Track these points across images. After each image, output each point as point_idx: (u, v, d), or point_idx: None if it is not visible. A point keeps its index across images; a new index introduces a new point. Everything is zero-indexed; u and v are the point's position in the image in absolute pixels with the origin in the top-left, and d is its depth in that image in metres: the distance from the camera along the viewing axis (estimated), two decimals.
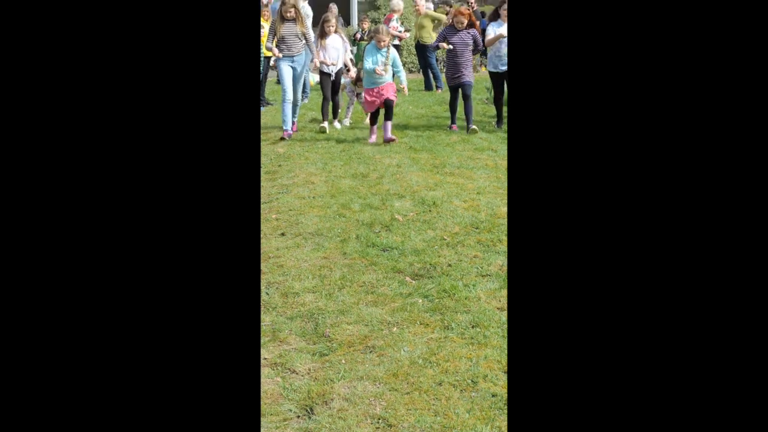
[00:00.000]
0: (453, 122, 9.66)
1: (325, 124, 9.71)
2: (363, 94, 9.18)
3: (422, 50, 14.50)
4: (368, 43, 9.47)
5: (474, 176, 6.87)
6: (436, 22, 14.79)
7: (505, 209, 5.60)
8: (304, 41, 9.45)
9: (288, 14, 9.33)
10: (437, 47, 10.00)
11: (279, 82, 10.52)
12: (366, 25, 14.97)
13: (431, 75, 14.39)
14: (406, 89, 9.60)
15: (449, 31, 9.74)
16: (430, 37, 14.58)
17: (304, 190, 6.48)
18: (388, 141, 8.61)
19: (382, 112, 8.92)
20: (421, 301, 4.01)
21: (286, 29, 9.34)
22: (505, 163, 7.36)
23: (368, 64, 8.91)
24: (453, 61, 9.65)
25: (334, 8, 14.40)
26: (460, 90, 9.56)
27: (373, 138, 8.84)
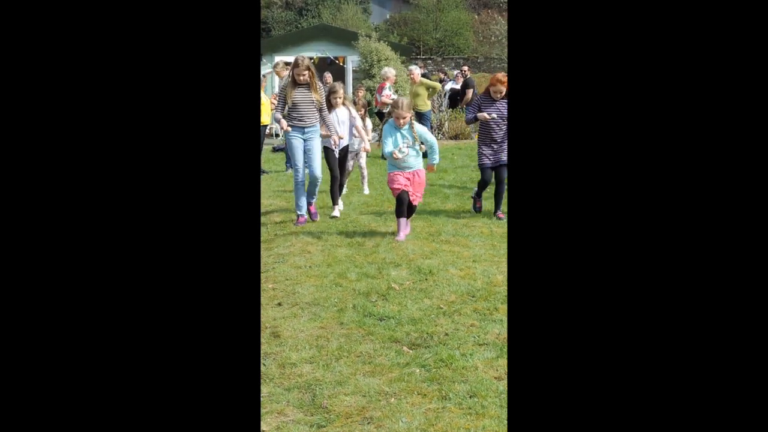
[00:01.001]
0: (478, 204, 8.41)
1: (337, 212, 8.51)
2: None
3: (417, 118, 14.65)
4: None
5: (470, 244, 6.90)
6: (431, 90, 15.01)
7: (500, 277, 5.62)
8: (317, 111, 7.95)
9: (301, 78, 7.84)
10: (475, 119, 8.12)
11: (287, 157, 9.43)
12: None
13: None
14: (434, 167, 7.62)
15: (484, 101, 8.05)
16: (425, 104, 14.78)
17: (300, 260, 6.49)
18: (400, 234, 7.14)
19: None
20: (418, 370, 4.00)
21: (298, 95, 7.87)
22: (500, 230, 7.40)
23: (387, 147, 7.13)
24: (489, 136, 8.03)
25: (328, 77, 14.56)
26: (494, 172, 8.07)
27: (402, 235, 7.14)
